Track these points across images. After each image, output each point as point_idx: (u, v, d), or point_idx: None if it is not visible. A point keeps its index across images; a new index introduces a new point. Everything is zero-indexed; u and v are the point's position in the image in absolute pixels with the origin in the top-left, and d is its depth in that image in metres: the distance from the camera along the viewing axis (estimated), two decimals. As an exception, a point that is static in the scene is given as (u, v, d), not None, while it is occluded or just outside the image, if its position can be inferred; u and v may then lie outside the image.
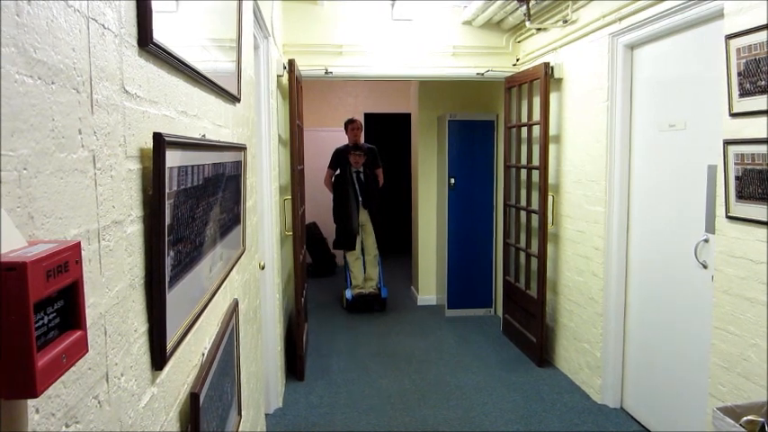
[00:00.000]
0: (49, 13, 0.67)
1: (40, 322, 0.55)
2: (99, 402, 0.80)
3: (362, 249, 6.08)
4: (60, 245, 0.59)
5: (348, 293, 5.92)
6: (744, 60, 2.24)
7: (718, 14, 2.51)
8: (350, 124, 6.10)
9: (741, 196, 2.29)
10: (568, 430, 3.36)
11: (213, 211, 1.42)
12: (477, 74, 4.73)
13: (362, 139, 6.20)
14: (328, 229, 7.48)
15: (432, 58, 4.68)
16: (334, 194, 6.08)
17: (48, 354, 0.55)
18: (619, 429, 3.38)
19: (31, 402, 0.60)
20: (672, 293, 3.07)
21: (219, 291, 1.58)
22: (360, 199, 5.95)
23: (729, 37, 2.31)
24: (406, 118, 6.95)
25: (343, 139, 6.25)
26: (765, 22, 2.13)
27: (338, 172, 6.03)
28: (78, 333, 0.62)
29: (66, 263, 0.59)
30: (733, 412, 1.72)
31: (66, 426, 0.70)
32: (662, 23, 2.99)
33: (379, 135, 7.73)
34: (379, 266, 6.12)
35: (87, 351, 0.66)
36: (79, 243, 0.64)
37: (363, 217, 6.00)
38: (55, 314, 0.58)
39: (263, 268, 3.14)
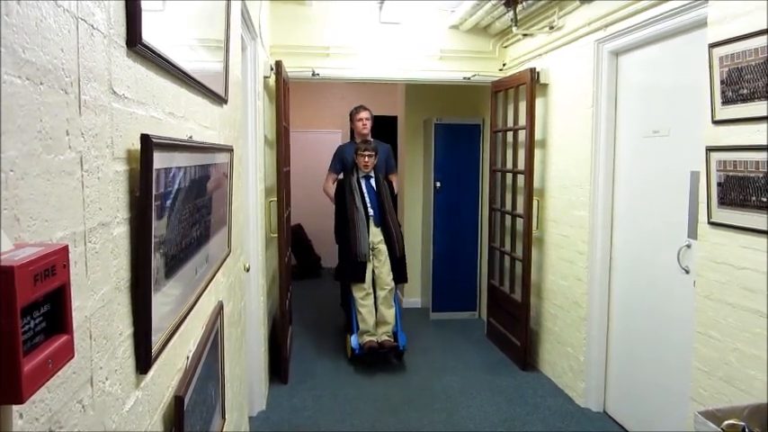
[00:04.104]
0: (39, 13, 0.66)
1: (27, 327, 0.54)
2: (83, 407, 0.79)
3: (373, 282, 4.51)
4: (48, 248, 0.58)
5: (354, 341, 4.34)
6: (726, 69, 2.28)
7: (702, 23, 2.54)
8: (356, 113, 4.75)
9: (723, 202, 2.33)
10: (551, 433, 3.38)
11: (200, 213, 1.41)
12: (464, 78, 4.75)
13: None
14: (314, 230, 7.46)
15: (419, 62, 4.69)
16: (336, 207, 4.69)
17: (34, 359, 0.54)
18: (601, 432, 3.41)
19: (15, 407, 0.59)
20: (655, 298, 3.10)
21: (205, 293, 1.56)
22: (371, 213, 4.49)
23: (712, 45, 2.35)
24: (392, 121, 6.93)
25: (332, 141, 6.03)
26: (747, 32, 2.16)
27: (341, 176, 4.76)
28: (65, 338, 0.61)
29: (54, 267, 0.58)
30: (714, 416, 1.74)
31: (50, 430, 0.69)
32: (646, 31, 3.03)
33: (366, 137, 7.71)
34: (395, 305, 4.51)
35: (73, 356, 0.66)
36: (67, 246, 0.63)
37: (376, 238, 4.50)
38: (41, 318, 0.57)
39: (247, 270, 3.12)
